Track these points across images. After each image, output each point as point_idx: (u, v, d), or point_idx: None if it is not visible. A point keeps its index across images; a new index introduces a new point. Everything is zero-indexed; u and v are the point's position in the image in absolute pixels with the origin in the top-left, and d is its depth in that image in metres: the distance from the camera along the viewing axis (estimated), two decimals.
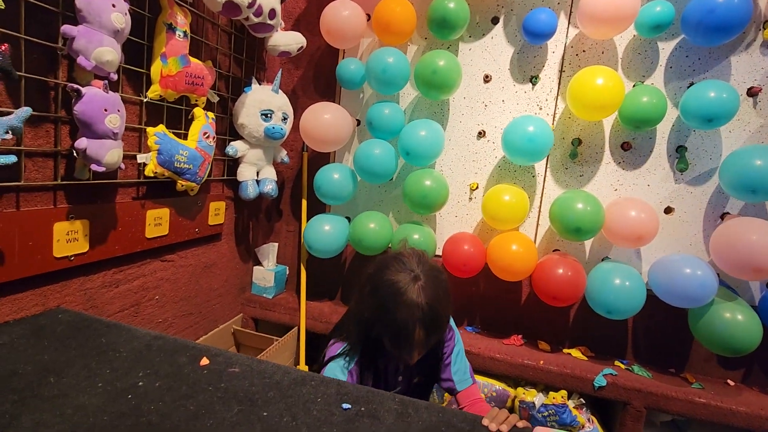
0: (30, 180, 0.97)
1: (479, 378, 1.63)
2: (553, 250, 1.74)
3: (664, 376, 1.59)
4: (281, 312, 1.90)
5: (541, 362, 1.58)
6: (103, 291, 1.20)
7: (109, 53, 0.98)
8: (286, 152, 1.83)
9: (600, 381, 1.51)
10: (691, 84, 1.54)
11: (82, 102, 0.96)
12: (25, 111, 0.87)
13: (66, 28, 0.92)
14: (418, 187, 1.63)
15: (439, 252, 1.79)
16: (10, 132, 0.84)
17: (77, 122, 0.98)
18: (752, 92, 1.50)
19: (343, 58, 1.89)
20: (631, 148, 1.64)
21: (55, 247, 1.03)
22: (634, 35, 1.59)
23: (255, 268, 1.97)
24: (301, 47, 1.71)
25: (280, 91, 1.69)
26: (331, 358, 1.03)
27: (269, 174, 1.74)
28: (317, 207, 1.95)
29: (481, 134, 1.80)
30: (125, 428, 0.66)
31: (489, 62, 1.77)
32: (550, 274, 1.53)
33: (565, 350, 1.71)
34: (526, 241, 1.60)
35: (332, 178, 1.75)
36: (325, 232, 1.74)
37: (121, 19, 0.99)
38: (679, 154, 1.59)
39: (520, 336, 1.76)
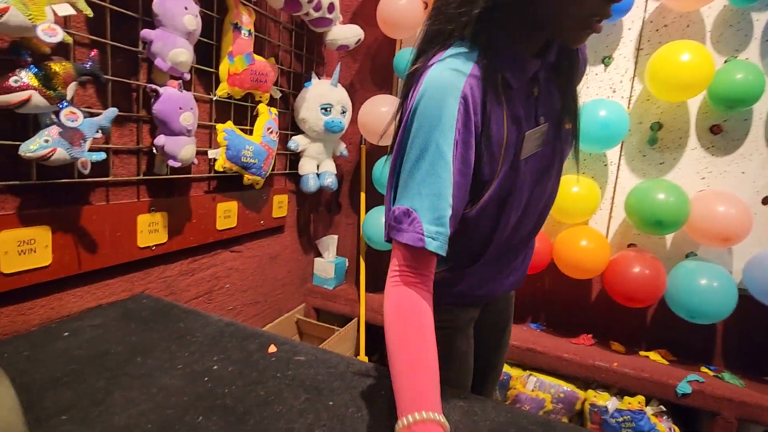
0: (117, 175, 1.05)
1: (545, 378, 1.55)
2: (628, 245, 1.61)
3: (760, 385, 1.42)
4: (341, 303, 1.94)
5: (615, 364, 1.47)
6: (180, 279, 1.28)
7: (183, 54, 1.03)
8: (345, 145, 1.85)
9: (684, 388, 1.38)
10: None
11: (160, 101, 1.02)
12: (113, 111, 0.94)
13: (145, 33, 0.98)
14: None
15: None
16: (100, 131, 0.91)
17: (156, 120, 1.04)
18: None
19: (400, 48, 1.87)
20: (721, 132, 1.47)
21: (139, 238, 1.11)
22: (725, 5, 1.42)
23: (316, 259, 2.02)
24: (359, 40, 1.71)
25: (338, 84, 1.70)
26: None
27: (329, 167, 1.77)
28: (375, 199, 1.96)
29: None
30: (203, 409, 0.69)
31: None
32: (625, 272, 1.42)
33: (642, 353, 1.58)
34: (596, 236, 1.50)
35: None
36: (383, 225, 1.74)
37: (192, 21, 1.04)
38: None
39: (590, 335, 1.65)
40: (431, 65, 0.58)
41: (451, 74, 0.56)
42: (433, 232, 0.55)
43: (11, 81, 0.74)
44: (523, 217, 0.71)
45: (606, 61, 1.59)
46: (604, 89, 1.60)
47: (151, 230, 1.14)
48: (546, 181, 0.70)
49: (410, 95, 0.60)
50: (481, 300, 0.83)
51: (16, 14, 0.70)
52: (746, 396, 1.34)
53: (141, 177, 1.11)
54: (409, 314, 0.56)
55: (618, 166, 1.61)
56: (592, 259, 1.46)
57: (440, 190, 0.55)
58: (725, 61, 1.43)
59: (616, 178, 1.62)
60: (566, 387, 1.53)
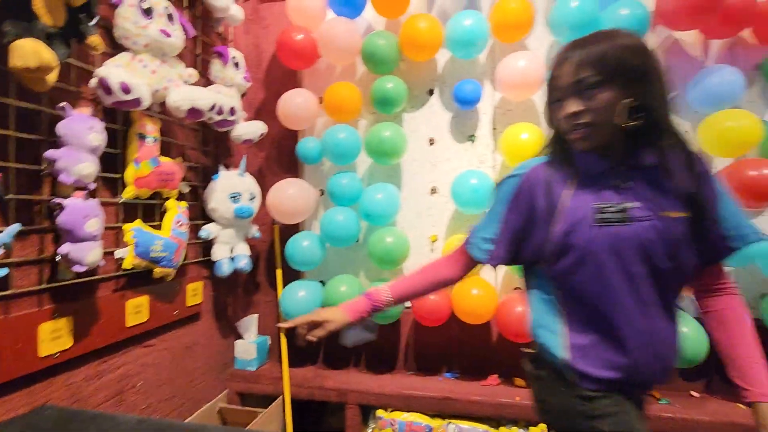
0: (18, 287, 1.07)
1: (462, 423, 1.68)
2: (515, 288, 1.88)
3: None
4: (265, 383, 1.94)
5: (518, 398, 1.65)
6: (86, 384, 1.25)
7: (88, 168, 1.13)
8: (257, 227, 1.96)
9: None
10: None
11: (64, 214, 1.09)
12: (14, 228, 0.99)
13: (49, 153, 1.07)
14: (381, 245, 1.78)
15: (408, 304, 1.89)
16: (2, 248, 0.95)
17: (60, 231, 1.10)
18: None
19: (301, 138, 2.09)
20: None
21: (41, 347, 1.10)
22: None
23: (236, 342, 2.02)
24: (263, 134, 1.91)
25: (246, 174, 1.86)
26: None
27: (242, 250, 1.86)
28: (292, 274, 2.06)
29: (434, 190, 1.98)
30: None
31: (432, 127, 2.00)
32: (511, 312, 1.66)
33: None
34: (484, 284, 1.74)
35: (302, 246, 1.89)
36: (300, 298, 1.84)
37: (97, 138, 1.16)
38: None
39: (496, 375, 1.84)
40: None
41: (519, 168, 0.89)
42: (473, 242, 0.94)
43: None
44: (618, 285, 0.78)
45: (471, 138, 1.95)
46: (474, 161, 1.94)
47: (54, 337, 1.14)
48: (647, 259, 0.77)
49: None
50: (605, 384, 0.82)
51: None
52: None
53: (43, 286, 1.13)
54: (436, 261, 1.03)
55: None
56: (482, 304, 1.69)
57: (490, 222, 0.91)
58: None
59: None
60: (481, 428, 1.66)
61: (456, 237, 1.82)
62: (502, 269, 1.89)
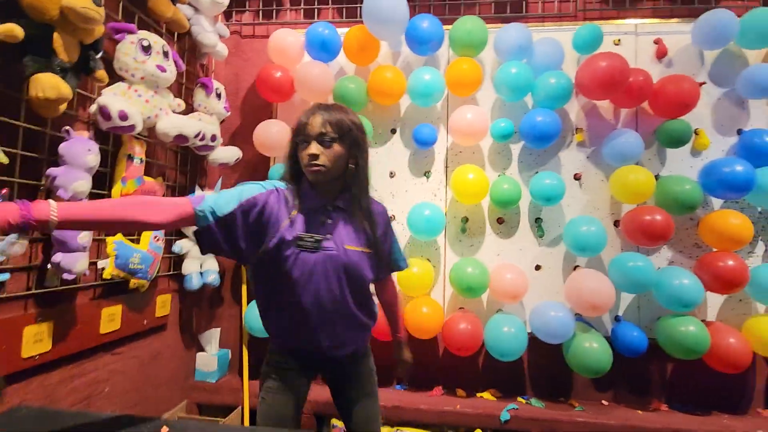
0: (9, 291, 1.16)
1: (408, 430, 1.86)
2: (459, 308, 2.11)
3: (555, 405, 1.94)
4: (225, 394, 2.03)
5: (458, 407, 1.86)
6: (60, 386, 1.33)
7: (83, 185, 1.25)
8: None
9: (504, 416, 1.82)
10: (536, 173, 2.10)
11: None
12: (12, 236, 1.10)
13: (51, 171, 1.19)
14: None
15: None
16: (2, 255, 1.06)
17: (54, 241, 1.21)
18: (576, 177, 2.08)
19: (273, 163, 2.27)
20: (504, 222, 2.13)
21: (24, 349, 1.19)
22: (492, 141, 2.15)
23: (198, 354, 2.10)
24: (238, 159, 2.06)
25: None
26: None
27: (211, 265, 1.98)
28: None
29: (393, 218, 2.21)
30: None
31: (392, 162, 2.24)
32: (454, 329, 1.89)
33: (478, 394, 2.02)
34: (433, 304, 1.97)
35: None
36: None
37: (94, 158, 1.29)
38: (537, 224, 2.10)
39: (440, 387, 2.04)
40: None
41: (266, 183, 1.08)
42: (204, 208, 0.97)
43: None
44: (302, 291, 1.05)
45: (427, 174, 2.21)
46: (428, 195, 2.20)
47: (36, 340, 1.22)
48: (331, 279, 1.06)
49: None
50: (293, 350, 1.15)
51: None
52: (545, 415, 1.83)
53: (31, 291, 1.22)
54: (144, 199, 0.95)
55: (444, 249, 2.16)
56: (430, 321, 1.91)
57: (224, 204, 0.99)
58: (498, 175, 2.13)
59: (445, 259, 2.16)
60: None
61: (410, 260, 2.04)
62: (451, 289, 2.13)
